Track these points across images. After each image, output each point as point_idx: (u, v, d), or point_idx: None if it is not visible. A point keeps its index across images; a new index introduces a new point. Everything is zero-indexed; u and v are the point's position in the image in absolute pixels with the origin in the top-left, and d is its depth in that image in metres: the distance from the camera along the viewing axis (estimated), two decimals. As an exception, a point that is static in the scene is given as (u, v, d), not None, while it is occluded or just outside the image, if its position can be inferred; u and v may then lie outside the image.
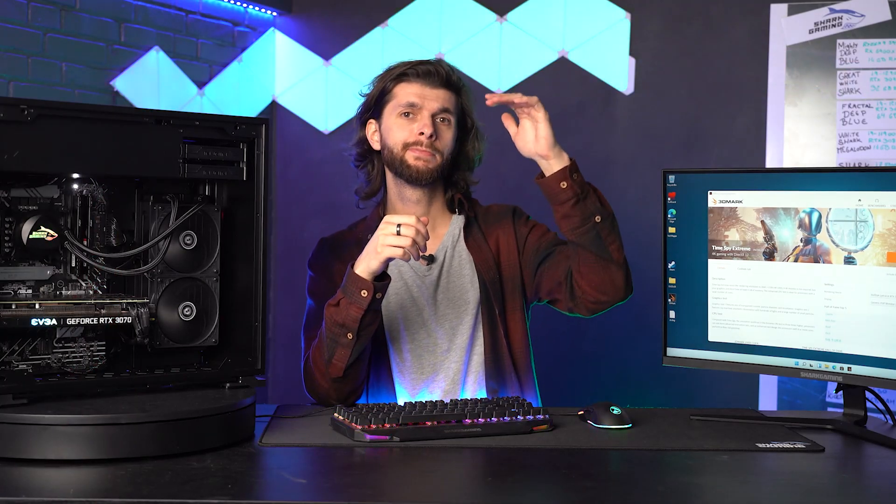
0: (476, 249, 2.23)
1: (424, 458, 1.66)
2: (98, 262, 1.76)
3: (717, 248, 2.05)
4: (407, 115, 2.18)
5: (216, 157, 1.81)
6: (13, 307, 1.68)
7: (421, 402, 1.86)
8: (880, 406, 1.99)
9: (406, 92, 2.19)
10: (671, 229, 2.09)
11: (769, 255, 2.00)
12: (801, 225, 1.96)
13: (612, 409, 1.90)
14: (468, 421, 1.79)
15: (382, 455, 1.68)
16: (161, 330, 1.81)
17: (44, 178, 1.73)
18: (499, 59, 3.68)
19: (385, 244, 1.92)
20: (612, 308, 2.14)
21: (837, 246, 1.93)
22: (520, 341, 2.21)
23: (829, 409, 3.23)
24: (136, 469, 1.52)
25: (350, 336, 1.98)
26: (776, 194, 1.99)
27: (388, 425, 1.74)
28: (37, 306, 1.70)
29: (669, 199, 2.09)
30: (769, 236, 2.00)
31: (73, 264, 1.78)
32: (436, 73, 2.19)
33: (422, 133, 2.15)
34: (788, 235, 1.98)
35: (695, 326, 2.06)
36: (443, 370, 2.17)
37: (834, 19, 3.45)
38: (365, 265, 1.96)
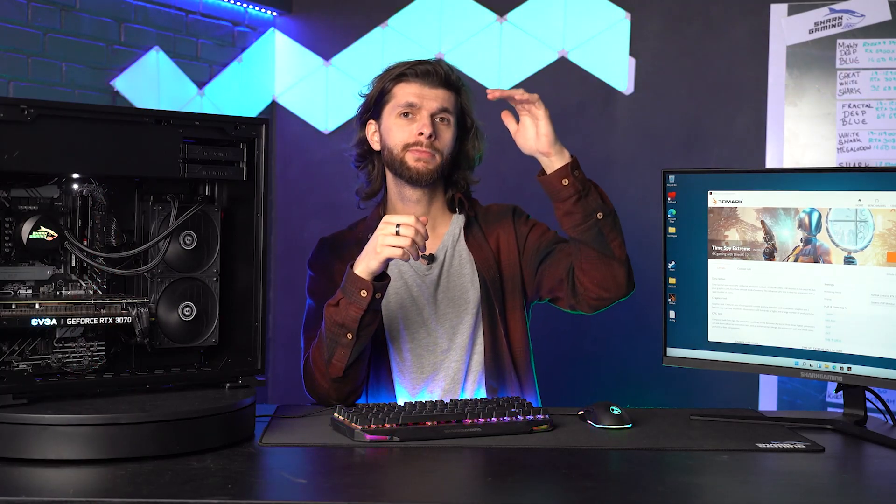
0: (476, 248, 2.23)
1: (424, 458, 1.66)
2: (98, 262, 1.76)
3: (717, 248, 2.05)
4: (406, 115, 2.18)
5: (216, 157, 1.81)
6: (13, 307, 1.68)
7: (421, 402, 1.86)
8: (880, 406, 1.99)
9: (405, 92, 2.19)
10: (671, 229, 2.09)
11: (769, 255, 2.00)
12: (801, 225, 1.96)
13: (612, 409, 1.90)
14: (468, 421, 1.79)
15: (382, 455, 1.68)
16: (161, 330, 1.81)
17: (44, 178, 1.73)
18: (499, 59, 3.68)
19: (384, 244, 1.92)
20: (613, 307, 2.14)
21: (837, 246, 1.93)
22: (520, 340, 2.21)
23: (829, 409, 3.23)
24: (136, 469, 1.52)
25: (350, 336, 1.98)
26: (776, 194, 1.99)
27: (388, 425, 1.74)
28: (37, 306, 1.70)
29: (669, 199, 2.09)
30: (769, 236, 2.00)
31: (73, 264, 1.78)
32: (434, 72, 2.19)
33: (421, 133, 2.15)
34: (788, 235, 1.98)
35: (695, 326, 2.06)
36: (443, 369, 2.17)
37: (834, 19, 3.45)
38: (364, 265, 1.96)
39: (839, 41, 3.45)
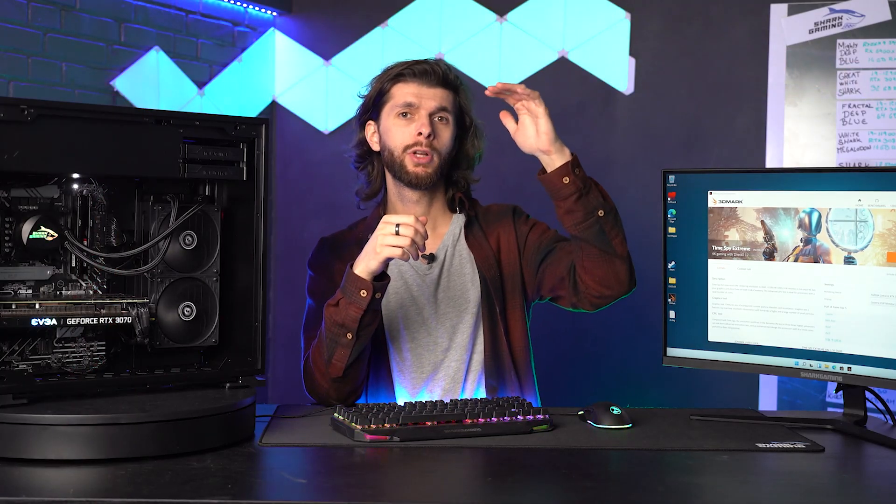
0: (477, 247, 2.23)
1: (424, 458, 1.66)
2: (98, 262, 1.76)
3: (717, 248, 2.05)
4: (404, 115, 2.18)
5: (216, 157, 1.81)
6: (13, 307, 1.68)
7: (421, 402, 1.86)
8: (880, 406, 1.99)
9: (403, 92, 2.18)
10: (671, 229, 2.09)
11: (769, 255, 2.00)
12: (801, 225, 1.96)
13: (612, 409, 1.90)
14: (468, 421, 1.79)
15: (382, 455, 1.68)
16: (161, 330, 1.81)
17: (44, 178, 1.73)
18: (499, 59, 3.68)
19: (384, 244, 1.92)
20: (613, 307, 2.14)
21: (837, 246, 1.93)
22: (520, 340, 2.21)
23: (829, 409, 3.23)
24: (136, 469, 1.52)
25: (349, 336, 1.98)
26: (776, 194, 1.99)
27: (388, 425, 1.74)
28: (37, 306, 1.70)
29: (669, 199, 2.09)
30: (769, 236, 2.00)
31: (73, 264, 1.78)
32: (432, 72, 2.19)
33: (420, 133, 2.15)
34: (788, 235, 1.98)
35: (695, 326, 2.06)
36: (443, 369, 2.17)
37: (834, 19, 3.45)
38: (364, 265, 1.96)
39: (839, 41, 3.45)
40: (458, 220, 2.26)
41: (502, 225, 2.26)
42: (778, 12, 3.50)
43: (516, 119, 2.07)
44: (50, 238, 1.70)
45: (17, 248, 1.69)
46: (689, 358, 2.08)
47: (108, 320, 1.74)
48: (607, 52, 3.62)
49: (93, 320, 1.72)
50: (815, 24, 3.47)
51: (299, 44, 3.80)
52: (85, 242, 1.76)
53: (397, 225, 1.92)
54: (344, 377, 2.03)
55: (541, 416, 1.84)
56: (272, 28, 3.79)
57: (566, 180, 2.02)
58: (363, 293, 1.95)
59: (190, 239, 1.83)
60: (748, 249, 2.02)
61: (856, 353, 1.90)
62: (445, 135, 2.19)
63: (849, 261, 1.91)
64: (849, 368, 1.91)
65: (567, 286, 2.13)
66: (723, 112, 3.58)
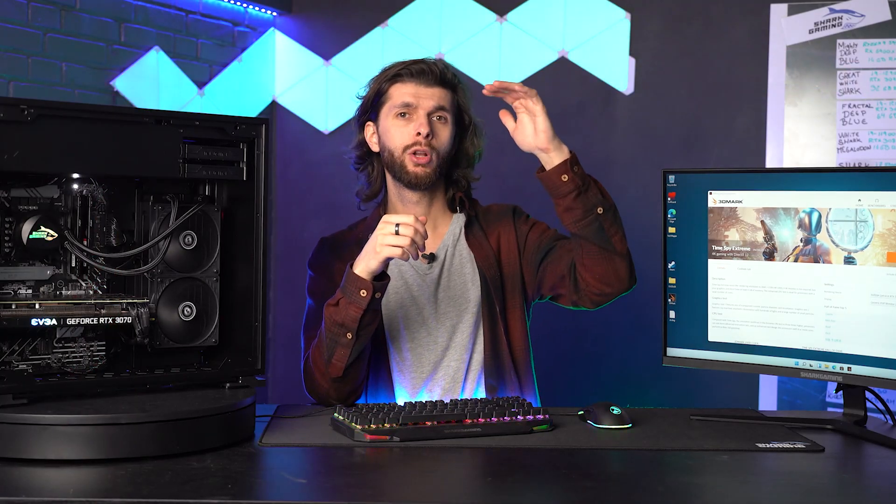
0: (477, 247, 2.23)
1: (424, 458, 1.66)
2: (98, 262, 1.76)
3: (717, 248, 2.05)
4: (403, 115, 2.18)
5: (216, 157, 1.81)
6: (13, 307, 1.68)
7: (421, 402, 1.86)
8: (880, 406, 1.99)
9: (401, 92, 2.18)
10: (671, 229, 2.09)
11: (769, 255, 2.00)
12: (801, 225, 1.96)
13: (612, 409, 1.90)
14: (468, 421, 1.79)
15: (382, 455, 1.68)
16: (161, 330, 1.81)
17: (44, 178, 1.73)
18: (499, 59, 3.68)
19: (384, 244, 1.92)
20: (614, 307, 2.14)
21: (837, 246, 1.93)
22: (520, 339, 2.21)
23: (829, 409, 3.23)
24: (136, 469, 1.52)
25: (349, 336, 1.98)
26: (776, 194, 1.99)
27: (388, 425, 1.74)
28: (37, 306, 1.70)
29: (669, 199, 2.09)
30: (769, 236, 2.00)
31: (73, 264, 1.78)
32: (430, 71, 2.19)
33: (419, 133, 2.15)
34: (788, 235, 1.98)
35: (695, 326, 2.06)
36: (443, 368, 2.17)
37: (834, 19, 3.45)
38: (364, 265, 1.96)
39: (839, 41, 3.45)
40: (459, 219, 2.26)
41: (502, 225, 2.26)
42: (778, 12, 3.50)
43: (515, 118, 2.07)
44: (50, 238, 1.70)
45: (17, 248, 1.69)
46: (689, 358, 2.08)
47: (108, 320, 1.74)
48: (607, 52, 3.62)
49: (93, 320, 1.72)
50: (815, 24, 3.47)
51: (299, 44, 3.80)
52: (85, 242, 1.76)
53: (397, 225, 1.92)
54: (344, 377, 2.03)
55: (541, 416, 1.84)
56: (272, 28, 3.79)
57: (565, 178, 2.02)
58: (363, 293, 1.95)
59: (190, 239, 1.83)
60: (748, 249, 2.02)
61: (856, 353, 1.90)
62: (444, 134, 2.19)
63: (849, 261, 1.91)
64: (849, 368, 1.91)
65: (568, 284, 2.13)
66: (723, 112, 3.58)
